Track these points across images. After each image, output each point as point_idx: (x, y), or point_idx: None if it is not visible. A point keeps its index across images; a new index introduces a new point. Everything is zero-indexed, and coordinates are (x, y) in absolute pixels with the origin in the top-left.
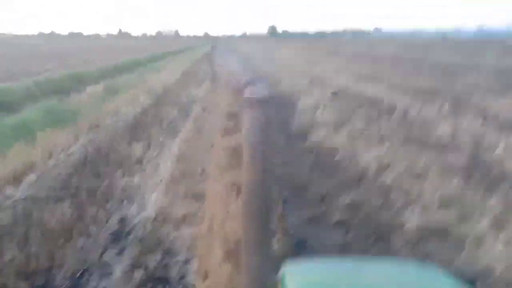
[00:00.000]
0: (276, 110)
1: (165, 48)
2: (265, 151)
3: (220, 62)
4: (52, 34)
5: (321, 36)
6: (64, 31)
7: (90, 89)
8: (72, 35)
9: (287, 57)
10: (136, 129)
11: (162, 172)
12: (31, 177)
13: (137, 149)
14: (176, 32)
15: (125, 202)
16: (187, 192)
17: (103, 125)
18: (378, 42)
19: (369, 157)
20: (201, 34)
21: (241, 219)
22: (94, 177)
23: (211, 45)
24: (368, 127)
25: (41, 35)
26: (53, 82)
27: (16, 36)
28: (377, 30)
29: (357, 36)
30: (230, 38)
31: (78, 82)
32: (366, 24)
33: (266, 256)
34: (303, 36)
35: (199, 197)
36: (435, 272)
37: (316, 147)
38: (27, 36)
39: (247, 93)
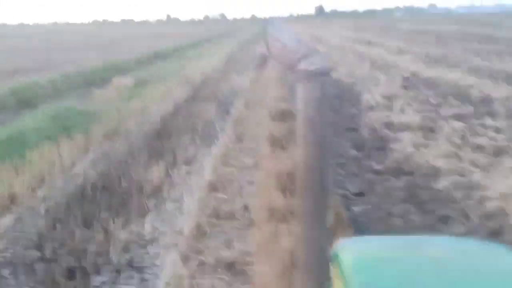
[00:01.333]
0: (336, 105)
1: (211, 32)
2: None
3: (267, 44)
4: (105, 22)
5: (371, 14)
6: (117, 18)
7: (119, 81)
8: (124, 22)
9: (339, 37)
10: (161, 138)
11: (185, 213)
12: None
13: (157, 171)
14: (223, 15)
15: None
16: (219, 259)
17: (122, 132)
18: (435, 19)
19: (499, 190)
20: (248, 16)
21: None
22: (83, 227)
23: (258, 27)
24: (471, 131)
25: (95, 22)
26: (83, 74)
27: (69, 24)
28: (432, 7)
29: (411, 13)
30: (277, 19)
31: (114, 72)
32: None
33: None
34: (352, 15)
35: (238, 273)
36: (498, 249)
37: (406, 167)
38: (82, 24)
39: (303, 65)
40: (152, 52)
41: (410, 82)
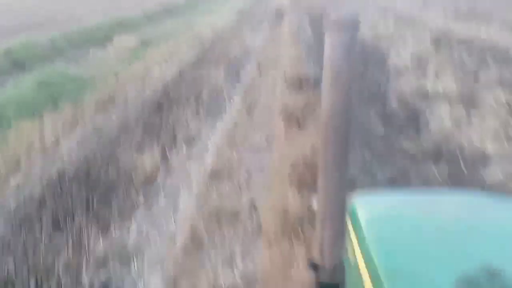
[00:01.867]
0: (360, 69)
1: None
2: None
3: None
4: None
5: None
6: None
7: (120, 41)
8: None
9: None
10: (161, 110)
11: (180, 213)
12: None
13: (151, 155)
14: None
15: None
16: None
17: (117, 103)
18: None
19: None
20: None
21: None
22: (55, 231)
23: None
24: None
25: None
26: (85, 32)
27: None
28: None
29: None
30: None
31: (119, 30)
32: None
33: None
34: None
35: None
36: None
37: (446, 150)
38: None
39: (333, 15)
40: (161, 8)
41: (440, 41)
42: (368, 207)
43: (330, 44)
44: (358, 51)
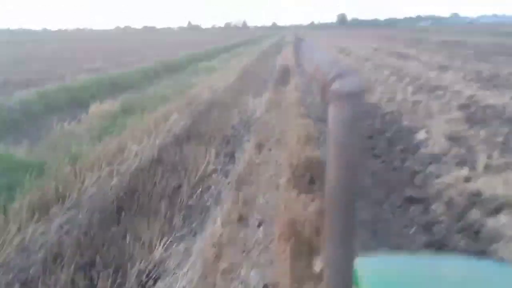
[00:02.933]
0: (382, 148)
1: (230, 39)
2: None
3: (287, 56)
4: (127, 28)
5: (392, 23)
6: (139, 25)
7: (98, 108)
8: (146, 29)
9: (366, 49)
10: (111, 224)
11: None
12: None
13: None
14: (244, 23)
15: None
16: None
17: (53, 214)
18: (463, 29)
19: None
20: (268, 24)
21: None
22: None
23: (278, 36)
24: None
25: (118, 29)
26: (71, 91)
27: (92, 31)
28: (454, 16)
29: (434, 23)
30: (298, 27)
31: (107, 91)
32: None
33: None
34: (374, 23)
35: None
36: None
37: None
38: (104, 31)
39: (336, 85)
40: (161, 64)
41: (473, 113)
42: (371, 271)
43: (333, 118)
44: (377, 124)
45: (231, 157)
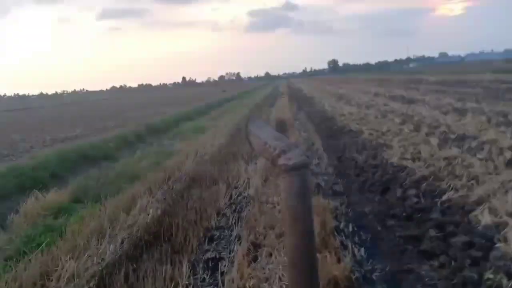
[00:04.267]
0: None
1: (222, 94)
2: None
3: (283, 108)
4: (123, 88)
5: (383, 66)
6: (134, 84)
7: (38, 202)
8: (141, 87)
9: (365, 94)
10: None
11: None
12: None
13: None
14: (238, 75)
15: None
16: None
17: None
18: (454, 68)
19: None
20: (262, 74)
21: None
22: None
23: (271, 86)
24: None
25: (113, 89)
26: (24, 171)
27: (88, 92)
28: (443, 55)
29: (424, 62)
30: (291, 76)
31: (78, 164)
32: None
33: None
34: (366, 67)
35: None
36: None
37: None
38: (100, 91)
39: (282, 160)
40: (144, 127)
41: None
42: None
43: (283, 190)
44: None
45: (213, 271)
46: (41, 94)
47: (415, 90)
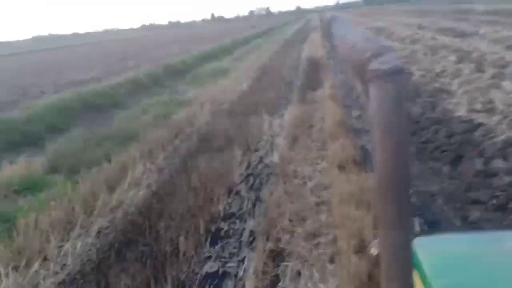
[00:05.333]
0: None
1: (251, 30)
2: None
3: (315, 46)
4: (152, 26)
5: None
6: (164, 21)
7: (10, 171)
8: (171, 24)
9: (407, 27)
10: None
11: None
12: None
13: None
14: (268, 10)
15: None
16: None
17: None
18: None
19: None
20: (292, 8)
21: None
22: None
23: (303, 20)
24: None
25: (143, 27)
26: (17, 125)
27: (119, 31)
28: None
29: None
30: (323, 9)
31: (79, 113)
32: None
33: None
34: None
35: None
36: None
37: None
38: (131, 29)
39: (375, 64)
40: (161, 69)
41: None
42: (430, 252)
43: (375, 99)
44: None
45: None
46: (74, 34)
47: (464, 21)
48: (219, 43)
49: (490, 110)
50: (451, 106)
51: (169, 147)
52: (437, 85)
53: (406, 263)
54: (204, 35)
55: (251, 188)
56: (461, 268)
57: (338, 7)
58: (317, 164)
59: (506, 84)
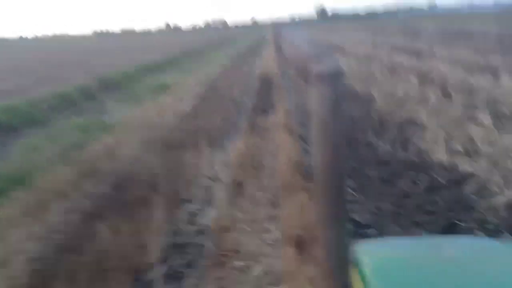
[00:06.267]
0: None
1: (203, 41)
2: None
3: (269, 62)
4: (105, 33)
5: (373, 16)
6: (117, 29)
7: None
8: (124, 32)
9: (362, 44)
10: None
11: None
12: None
13: None
14: (224, 22)
15: None
16: None
17: None
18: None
19: None
20: (248, 21)
21: None
22: None
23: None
24: None
25: (95, 34)
26: None
27: (69, 36)
28: (431, 5)
29: (413, 14)
30: (278, 23)
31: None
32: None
33: None
34: (355, 17)
35: None
36: None
37: None
38: (81, 36)
39: (316, 67)
40: (96, 81)
41: None
42: (371, 255)
43: (316, 100)
44: None
45: None
46: (21, 38)
47: (417, 40)
48: (170, 54)
49: (473, 152)
50: (426, 145)
51: (74, 195)
52: (404, 114)
53: (343, 262)
54: (156, 45)
55: (170, 276)
56: (400, 271)
57: (293, 22)
58: (267, 232)
59: (482, 117)
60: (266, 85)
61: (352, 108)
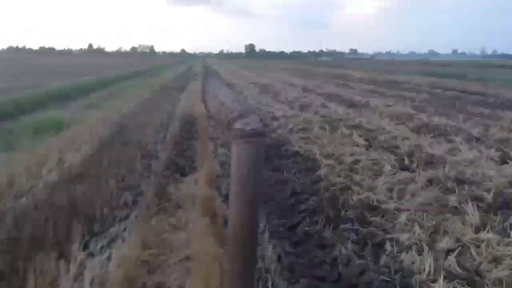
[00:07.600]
0: None
1: (127, 67)
2: None
3: (195, 100)
4: (20, 50)
5: (297, 56)
6: (35, 46)
7: None
8: (43, 50)
9: (293, 88)
10: None
11: None
12: None
13: None
14: (152, 49)
15: None
16: None
17: None
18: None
19: None
20: (177, 50)
21: None
22: None
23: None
24: None
25: (10, 49)
26: None
27: None
28: (353, 52)
29: (335, 57)
30: (208, 56)
31: None
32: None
33: None
34: (281, 56)
35: None
36: None
37: None
38: None
39: (238, 124)
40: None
41: None
42: None
43: (236, 156)
44: None
45: None
46: None
47: (347, 87)
48: (82, 80)
49: (476, 273)
50: (404, 254)
51: None
52: (362, 197)
53: None
54: (71, 68)
55: None
56: None
57: (222, 55)
58: None
59: (467, 208)
60: (188, 128)
61: (291, 172)
